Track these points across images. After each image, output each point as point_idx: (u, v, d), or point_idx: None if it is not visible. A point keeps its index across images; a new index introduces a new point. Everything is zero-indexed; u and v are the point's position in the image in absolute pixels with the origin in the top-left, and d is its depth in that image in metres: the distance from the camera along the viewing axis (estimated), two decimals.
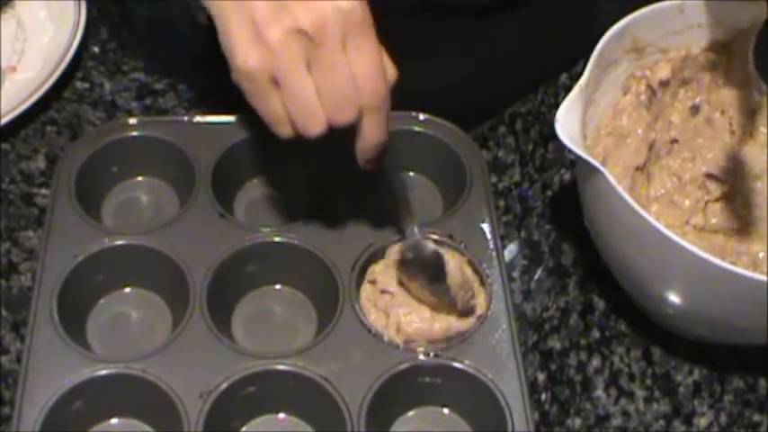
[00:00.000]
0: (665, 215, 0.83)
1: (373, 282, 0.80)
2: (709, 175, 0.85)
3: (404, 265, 0.78)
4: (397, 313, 0.78)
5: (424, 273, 0.78)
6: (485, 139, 0.96)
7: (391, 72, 0.71)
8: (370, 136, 0.71)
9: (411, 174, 0.91)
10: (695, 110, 0.87)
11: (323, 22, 0.66)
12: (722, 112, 0.87)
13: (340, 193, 0.85)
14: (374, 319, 0.78)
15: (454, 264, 0.78)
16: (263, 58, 0.67)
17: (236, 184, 0.88)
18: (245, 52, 0.67)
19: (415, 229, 0.79)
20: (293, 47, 0.66)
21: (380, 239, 0.82)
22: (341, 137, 0.71)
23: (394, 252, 0.80)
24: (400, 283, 0.79)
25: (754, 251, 0.82)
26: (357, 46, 0.67)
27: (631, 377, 0.80)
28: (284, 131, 0.71)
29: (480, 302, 0.80)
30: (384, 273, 0.80)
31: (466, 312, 0.79)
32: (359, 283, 0.80)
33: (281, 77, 0.68)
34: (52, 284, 0.78)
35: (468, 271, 0.81)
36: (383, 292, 0.79)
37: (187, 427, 0.72)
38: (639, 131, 0.84)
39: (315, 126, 0.69)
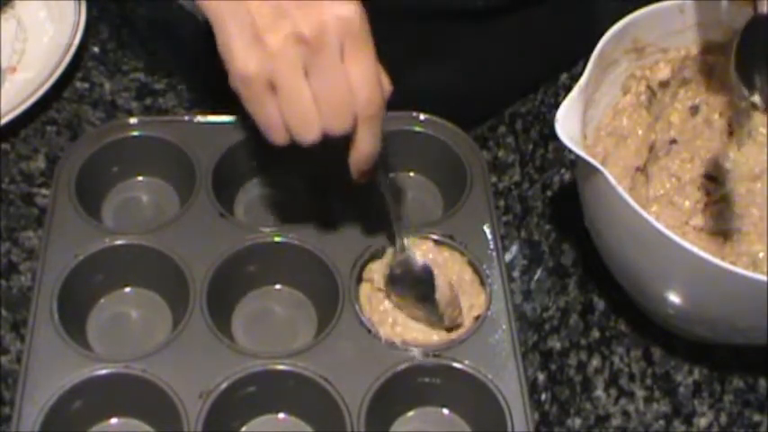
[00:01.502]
0: (664, 216, 0.83)
1: (370, 280, 0.80)
2: (709, 177, 0.85)
3: (392, 280, 0.79)
4: (394, 315, 0.78)
5: (413, 289, 0.78)
6: (485, 139, 0.96)
7: (387, 85, 0.71)
8: (365, 146, 0.71)
9: (411, 174, 0.91)
10: (694, 110, 0.87)
11: (322, 29, 0.66)
12: (721, 114, 0.87)
13: (340, 194, 0.85)
14: (373, 318, 0.78)
15: (443, 280, 0.78)
16: (261, 63, 0.67)
17: (237, 184, 0.89)
18: (244, 57, 0.67)
19: (406, 243, 0.79)
20: (292, 53, 0.66)
21: (380, 239, 0.82)
22: (338, 144, 0.72)
23: (386, 261, 0.80)
24: (388, 297, 0.79)
25: (755, 251, 0.81)
26: (355, 54, 0.68)
27: (631, 377, 0.80)
28: (279, 138, 0.71)
29: (480, 303, 0.80)
30: (381, 272, 0.80)
31: (452, 328, 0.79)
32: (358, 283, 0.80)
33: (278, 83, 0.68)
34: (52, 284, 0.78)
35: (467, 277, 0.81)
36: (380, 290, 0.79)
37: (187, 427, 0.72)
38: (639, 132, 0.84)
39: (310, 133, 0.69)
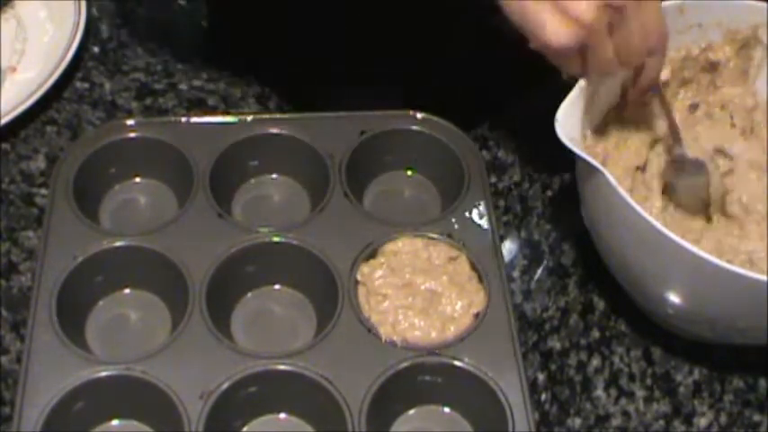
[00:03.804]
0: None
1: (365, 283, 0.80)
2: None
3: (671, 172, 0.83)
4: (394, 315, 0.78)
5: (689, 183, 0.83)
6: (485, 139, 0.95)
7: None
8: (651, 71, 0.80)
9: (409, 172, 0.91)
10: (694, 108, 0.87)
11: None
12: (722, 107, 0.87)
13: (339, 193, 0.85)
14: (373, 318, 0.78)
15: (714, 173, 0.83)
16: (576, 34, 0.73)
17: (234, 185, 0.88)
18: (555, 31, 0.72)
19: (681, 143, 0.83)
20: (602, 19, 0.73)
21: (379, 239, 0.82)
22: None
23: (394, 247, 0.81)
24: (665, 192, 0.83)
25: (753, 250, 0.82)
26: (646, 4, 0.75)
27: (631, 377, 0.80)
28: (578, 75, 0.78)
29: (480, 300, 0.80)
30: (372, 275, 0.80)
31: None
32: (357, 283, 0.80)
33: (590, 46, 0.75)
34: (51, 286, 0.78)
35: (466, 275, 0.81)
36: (377, 294, 0.79)
37: (188, 427, 0.72)
38: (640, 132, 0.84)
39: (608, 75, 0.79)
